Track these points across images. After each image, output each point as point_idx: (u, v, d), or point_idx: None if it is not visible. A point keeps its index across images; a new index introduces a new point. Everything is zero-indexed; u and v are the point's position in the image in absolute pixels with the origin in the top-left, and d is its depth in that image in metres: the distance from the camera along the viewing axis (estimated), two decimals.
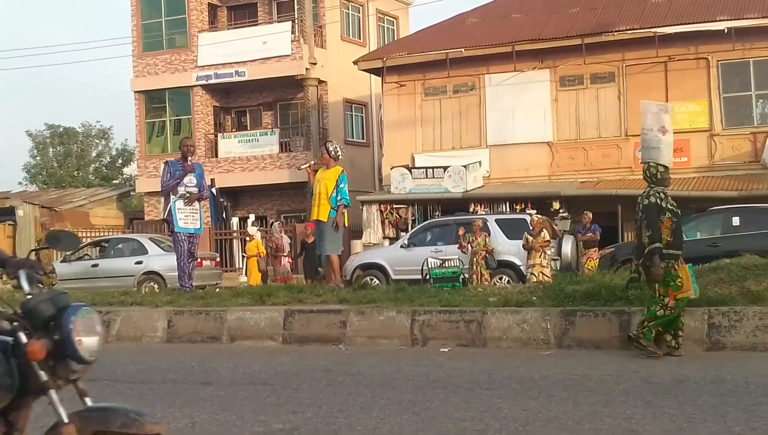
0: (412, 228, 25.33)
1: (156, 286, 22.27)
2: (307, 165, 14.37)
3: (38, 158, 59.33)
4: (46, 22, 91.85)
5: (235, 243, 31.54)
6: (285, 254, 22.68)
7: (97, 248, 26.30)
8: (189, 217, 13.38)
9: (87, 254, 25.82)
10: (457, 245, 19.81)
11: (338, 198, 13.32)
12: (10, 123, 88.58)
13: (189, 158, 13.58)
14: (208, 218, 14.15)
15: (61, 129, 59.03)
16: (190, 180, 13.37)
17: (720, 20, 25.83)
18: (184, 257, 13.53)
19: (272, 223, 28.26)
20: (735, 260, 10.44)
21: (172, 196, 13.35)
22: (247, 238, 24.51)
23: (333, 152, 13.63)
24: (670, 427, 5.53)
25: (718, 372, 7.40)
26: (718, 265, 10.30)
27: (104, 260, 24.75)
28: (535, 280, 17.49)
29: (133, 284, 22.71)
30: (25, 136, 59.47)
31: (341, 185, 13.36)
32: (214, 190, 14.10)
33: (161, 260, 23.29)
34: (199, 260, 24.26)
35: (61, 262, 25.84)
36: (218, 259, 25.81)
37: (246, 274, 23.56)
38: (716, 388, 6.71)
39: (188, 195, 13.31)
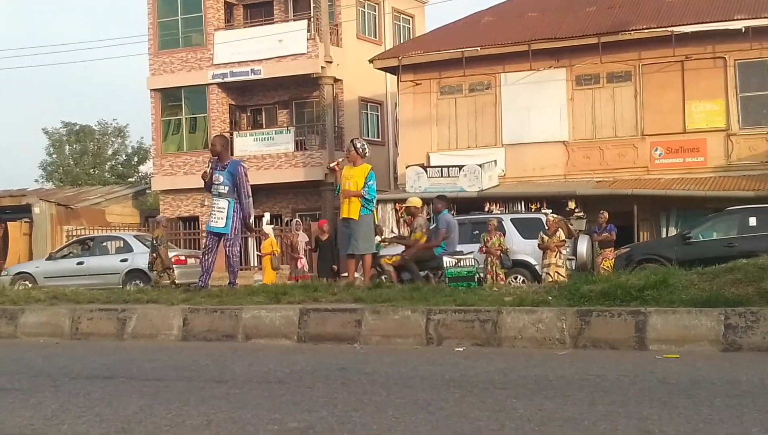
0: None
1: (141, 284, 22.36)
2: (335, 163, 14.13)
3: (54, 156, 59.63)
4: (64, 20, 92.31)
5: (250, 241, 31.59)
6: (299, 255, 22.66)
7: (81, 246, 26.38)
8: (214, 215, 13.21)
9: (72, 252, 25.92)
10: (478, 248, 19.73)
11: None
12: (27, 121, 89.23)
13: (217, 156, 13.33)
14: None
15: (77, 127, 59.33)
16: (217, 178, 13.12)
17: (737, 19, 25.76)
18: (205, 254, 13.40)
19: (290, 221, 28.32)
20: (752, 260, 10.38)
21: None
22: (262, 237, 24.54)
23: (360, 149, 13.45)
24: (686, 428, 5.50)
25: (735, 373, 7.36)
26: (735, 266, 10.24)
27: (89, 258, 24.88)
28: (550, 279, 17.49)
29: (118, 282, 22.85)
30: (42, 134, 59.82)
31: (370, 182, 13.17)
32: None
33: (146, 258, 23.47)
34: (183, 258, 24.43)
35: (46, 259, 26.03)
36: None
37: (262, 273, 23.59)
38: (732, 389, 6.67)
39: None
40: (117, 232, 31.88)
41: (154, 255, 22.07)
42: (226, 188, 13.05)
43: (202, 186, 13.62)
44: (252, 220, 13.48)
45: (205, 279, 13.25)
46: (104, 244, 26.05)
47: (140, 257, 23.96)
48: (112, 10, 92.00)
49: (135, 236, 26.50)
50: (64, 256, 25.55)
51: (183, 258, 24.52)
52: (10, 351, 10.41)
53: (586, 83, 27.97)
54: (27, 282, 23.50)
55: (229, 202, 13.05)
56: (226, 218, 13.04)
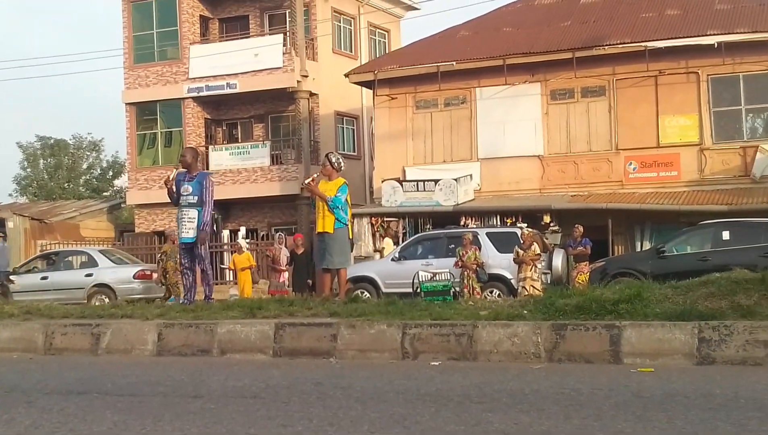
0: (402, 241, 25.34)
1: (106, 299, 22.30)
2: (310, 179, 14.11)
3: (29, 170, 59.28)
4: (38, 33, 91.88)
5: (226, 255, 31.52)
6: (283, 268, 22.61)
7: (45, 261, 26.22)
8: (185, 226, 13.18)
9: (36, 267, 25.77)
10: (454, 263, 19.78)
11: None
12: (1, 135, 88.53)
13: (187, 168, 13.32)
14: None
15: (51, 141, 59.03)
16: (186, 189, 13.13)
17: (710, 35, 26.01)
18: (184, 272, 13.37)
19: (266, 235, 28.24)
20: (725, 274, 10.44)
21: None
22: (236, 252, 24.45)
23: (336, 163, 13.45)
24: None
25: (708, 386, 7.40)
26: (708, 279, 10.31)
27: (54, 273, 24.73)
28: (526, 293, 17.51)
29: (83, 297, 22.76)
30: (16, 148, 59.47)
31: (338, 194, 13.17)
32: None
33: (111, 273, 23.46)
34: (149, 272, 24.35)
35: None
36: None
37: (238, 288, 23.51)
38: (706, 402, 6.71)
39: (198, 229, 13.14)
40: (81, 246, 31.71)
41: (164, 269, 22.08)
42: (195, 198, 13.08)
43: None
44: (206, 231, 13.35)
45: (191, 297, 13.21)
46: (69, 258, 25.93)
47: (105, 272, 23.90)
48: (87, 23, 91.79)
49: (100, 251, 26.40)
50: (28, 271, 25.38)
51: (148, 272, 24.45)
52: None
53: (560, 98, 28.12)
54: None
55: (198, 211, 13.07)
56: (196, 227, 13.06)
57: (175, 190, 13.25)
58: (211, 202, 13.21)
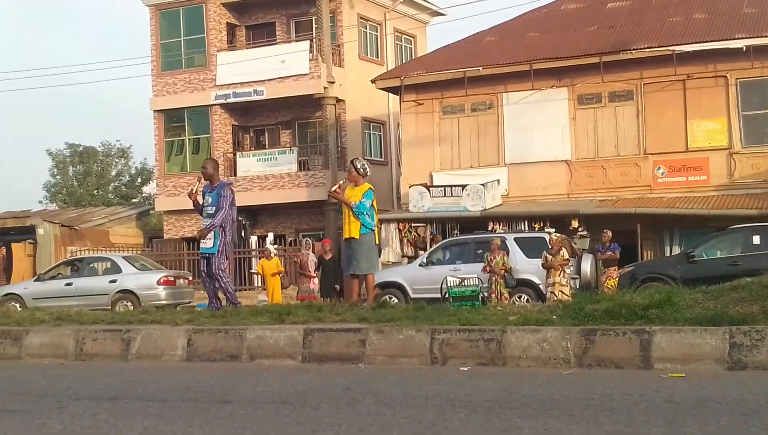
0: (430, 246, 25.32)
1: (130, 305, 22.42)
2: (336, 186, 14.14)
3: (58, 177, 59.70)
4: (68, 42, 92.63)
5: (254, 261, 31.60)
6: (311, 274, 22.59)
7: (70, 267, 26.35)
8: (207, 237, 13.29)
9: (60, 273, 25.92)
10: (482, 268, 19.73)
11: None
12: (31, 142, 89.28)
13: (209, 179, 13.41)
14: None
15: (81, 148, 59.43)
16: (206, 200, 13.26)
17: (738, 38, 25.84)
18: (205, 281, 13.44)
19: (294, 241, 28.25)
20: (756, 279, 10.38)
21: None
22: (264, 257, 24.44)
23: (361, 169, 13.46)
24: None
25: (740, 392, 7.35)
26: (739, 284, 10.24)
27: (78, 279, 24.85)
28: (554, 298, 17.46)
29: (107, 303, 22.89)
30: (46, 155, 59.90)
31: (364, 199, 13.19)
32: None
33: (135, 279, 23.60)
34: (172, 278, 24.49)
35: (35, 280, 26.01)
36: (191, 278, 25.90)
37: (267, 294, 23.49)
38: (738, 407, 6.67)
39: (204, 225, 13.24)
40: (106, 253, 31.89)
41: None
42: (213, 209, 13.15)
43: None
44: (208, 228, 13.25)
45: (216, 304, 13.27)
46: (93, 265, 26.05)
47: (129, 278, 24.06)
48: (115, 32, 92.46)
49: (124, 257, 26.57)
50: (52, 278, 25.51)
51: (172, 279, 24.60)
52: (14, 372, 10.42)
53: (588, 102, 28.01)
54: (15, 303, 23.44)
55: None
56: (214, 238, 13.11)
57: (200, 201, 13.39)
58: (227, 208, 13.14)
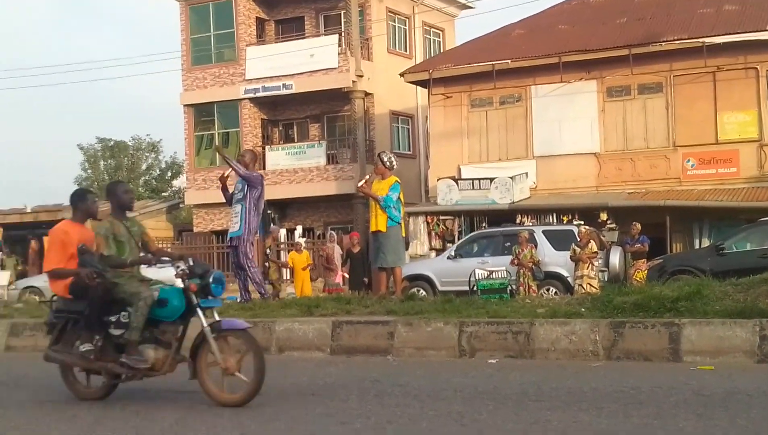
0: (458, 239, 25.30)
1: None
2: (363, 181, 14.21)
3: (89, 171, 60.08)
4: (99, 37, 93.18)
5: (283, 254, 31.69)
6: (336, 267, 22.65)
7: None
8: (232, 221, 13.40)
9: None
10: (510, 260, 19.70)
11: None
12: (63, 137, 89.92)
13: (246, 168, 13.45)
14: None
15: (111, 142, 59.78)
16: (236, 187, 13.34)
17: None
18: (236, 272, 13.48)
19: (323, 234, 28.26)
20: None
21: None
22: (295, 250, 24.49)
23: (388, 162, 13.48)
24: None
25: None
26: None
27: None
28: (582, 291, 17.40)
29: None
30: (77, 150, 60.33)
31: (390, 193, 13.20)
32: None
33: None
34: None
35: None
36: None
37: (295, 287, 23.56)
38: None
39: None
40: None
41: (267, 265, 22.21)
42: (241, 194, 13.23)
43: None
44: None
45: (246, 296, 13.34)
46: None
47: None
48: (145, 27, 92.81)
49: None
50: None
51: None
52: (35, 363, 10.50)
53: (617, 95, 27.85)
54: (35, 295, 23.67)
55: (242, 205, 13.19)
56: (240, 221, 13.16)
57: (228, 189, 13.48)
58: (253, 175, 13.31)
